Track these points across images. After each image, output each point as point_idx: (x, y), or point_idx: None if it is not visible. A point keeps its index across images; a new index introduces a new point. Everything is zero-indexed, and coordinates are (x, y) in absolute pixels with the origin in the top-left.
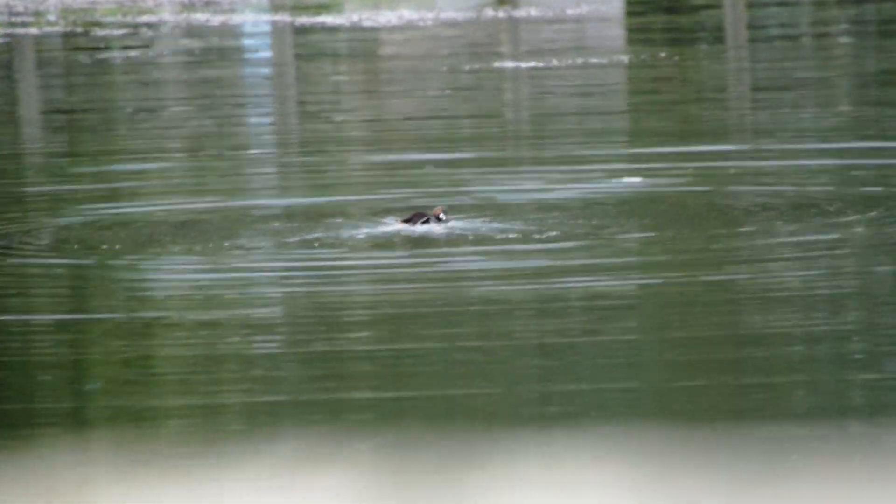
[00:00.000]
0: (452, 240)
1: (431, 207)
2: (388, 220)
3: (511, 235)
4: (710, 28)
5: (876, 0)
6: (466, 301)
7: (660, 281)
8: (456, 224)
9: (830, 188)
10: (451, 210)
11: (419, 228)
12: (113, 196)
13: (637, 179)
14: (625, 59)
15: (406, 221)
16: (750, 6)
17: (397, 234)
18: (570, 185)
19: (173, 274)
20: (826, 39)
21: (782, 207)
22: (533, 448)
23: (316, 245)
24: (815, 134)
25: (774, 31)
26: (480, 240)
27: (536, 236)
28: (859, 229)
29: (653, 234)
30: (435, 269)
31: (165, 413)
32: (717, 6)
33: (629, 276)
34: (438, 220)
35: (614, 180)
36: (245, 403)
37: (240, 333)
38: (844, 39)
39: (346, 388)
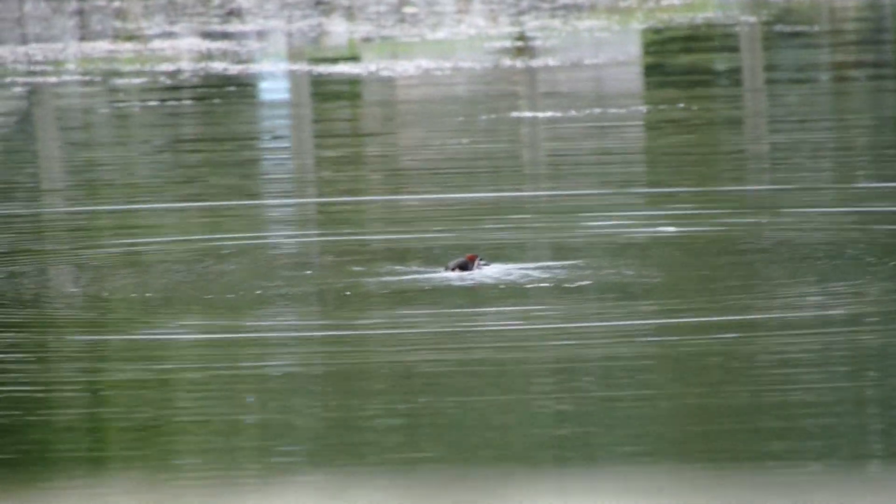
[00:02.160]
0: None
1: (464, 255)
2: (434, 269)
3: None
4: (726, 71)
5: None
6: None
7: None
8: (500, 270)
9: (855, 234)
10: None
11: (467, 274)
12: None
13: (671, 229)
14: (643, 108)
15: (457, 268)
16: (767, 48)
17: (449, 282)
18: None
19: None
20: (844, 81)
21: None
22: (549, 485)
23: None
24: (835, 176)
25: (792, 73)
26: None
27: (572, 284)
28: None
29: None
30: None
31: (184, 449)
32: (735, 49)
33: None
34: (477, 266)
35: (650, 229)
36: (261, 444)
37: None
38: (863, 81)
39: (363, 427)
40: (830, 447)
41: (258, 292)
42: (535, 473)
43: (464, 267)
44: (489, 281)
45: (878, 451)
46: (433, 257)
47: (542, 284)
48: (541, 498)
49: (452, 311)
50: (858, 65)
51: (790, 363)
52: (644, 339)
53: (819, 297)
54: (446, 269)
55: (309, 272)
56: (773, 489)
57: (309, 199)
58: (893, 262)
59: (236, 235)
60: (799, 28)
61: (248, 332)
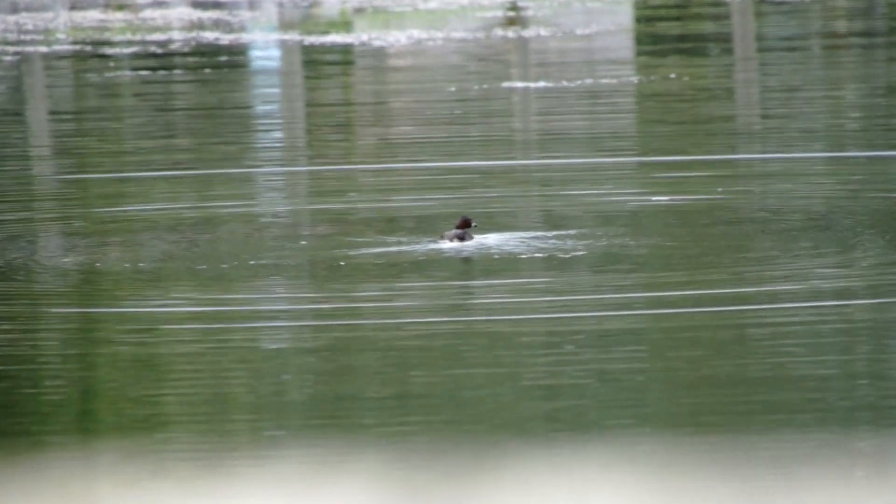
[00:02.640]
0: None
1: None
2: (431, 239)
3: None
4: (718, 38)
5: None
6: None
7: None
8: (497, 239)
9: (843, 201)
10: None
11: (461, 245)
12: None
13: (664, 198)
14: (634, 79)
15: (455, 238)
16: (759, 14)
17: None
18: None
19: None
20: (837, 49)
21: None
22: (541, 456)
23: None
24: (827, 142)
25: (783, 42)
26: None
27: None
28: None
29: (675, 246)
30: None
31: (174, 422)
32: (726, 17)
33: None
34: (466, 231)
35: (643, 199)
36: (254, 413)
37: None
38: (855, 49)
39: (355, 396)
40: (818, 420)
41: (251, 262)
42: (527, 444)
43: (461, 237)
44: (482, 252)
45: (867, 423)
46: (425, 226)
47: (536, 255)
48: (532, 467)
49: (446, 283)
50: (849, 34)
51: (780, 335)
52: (636, 311)
53: (809, 270)
54: (442, 238)
55: (304, 242)
56: (762, 458)
57: (300, 168)
58: (881, 233)
59: (227, 204)
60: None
61: (242, 304)
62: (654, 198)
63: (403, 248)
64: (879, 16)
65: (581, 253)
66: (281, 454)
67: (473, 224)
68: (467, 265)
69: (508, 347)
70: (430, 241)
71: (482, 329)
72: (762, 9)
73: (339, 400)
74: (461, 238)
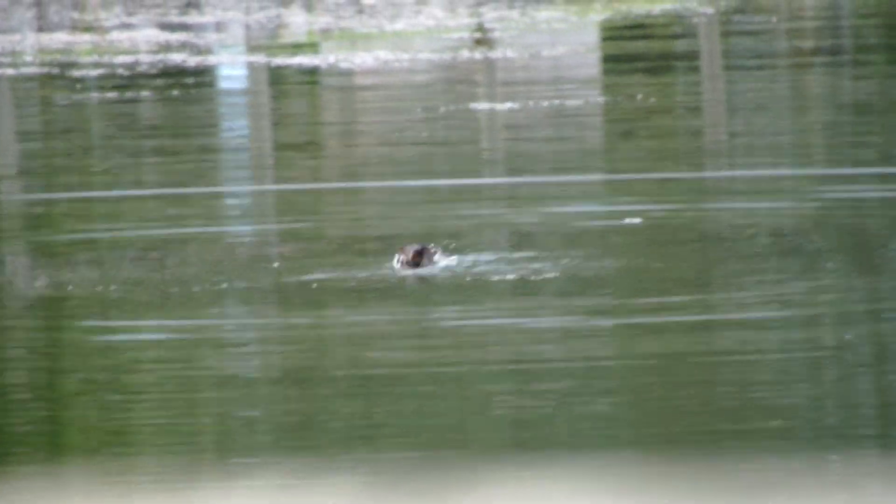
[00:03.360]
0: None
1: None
2: (390, 264)
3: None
4: (685, 56)
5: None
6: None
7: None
8: (458, 262)
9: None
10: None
11: (422, 271)
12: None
13: (637, 220)
14: (601, 98)
15: (409, 263)
16: (724, 34)
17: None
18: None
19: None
20: (802, 68)
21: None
22: (512, 474)
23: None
24: (792, 160)
25: (749, 60)
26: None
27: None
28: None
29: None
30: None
31: (150, 437)
32: (693, 35)
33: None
34: (432, 259)
35: (617, 221)
36: (224, 430)
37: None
38: (820, 68)
39: (326, 415)
40: (791, 447)
41: (223, 286)
42: (496, 465)
43: (416, 262)
44: (447, 275)
45: (839, 448)
46: (391, 246)
47: (507, 277)
48: (501, 484)
49: (411, 308)
50: (816, 52)
51: (747, 362)
52: (606, 337)
53: (776, 293)
54: (397, 262)
55: (276, 264)
56: (736, 483)
57: (267, 187)
58: (848, 253)
59: (195, 225)
60: (757, 19)
61: (214, 330)
62: (628, 220)
63: (366, 272)
64: (845, 34)
65: (551, 275)
66: (251, 478)
67: (433, 253)
68: (435, 288)
69: (477, 370)
70: (387, 266)
71: (451, 353)
72: (728, 27)
73: (309, 424)
74: (416, 265)
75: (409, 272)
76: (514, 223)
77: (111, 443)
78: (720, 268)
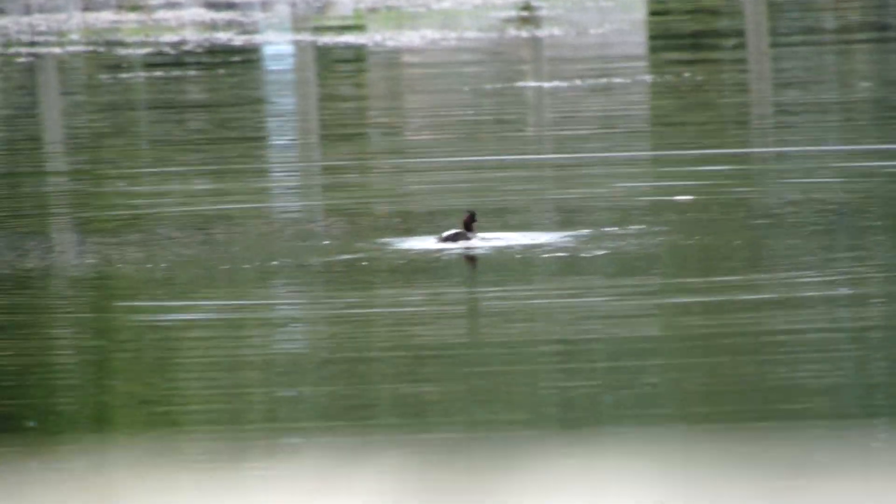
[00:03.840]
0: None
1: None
2: (428, 238)
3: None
4: (731, 33)
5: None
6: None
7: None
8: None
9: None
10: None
11: (458, 245)
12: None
13: (689, 197)
14: (648, 76)
15: (446, 240)
16: (772, 9)
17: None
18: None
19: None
20: (848, 45)
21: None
22: (559, 450)
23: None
24: (841, 136)
25: (796, 37)
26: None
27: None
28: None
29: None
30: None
31: (190, 417)
32: (739, 13)
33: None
34: (471, 227)
35: (667, 198)
36: (269, 409)
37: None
38: (867, 44)
39: (371, 393)
40: (840, 427)
41: (274, 263)
42: (542, 442)
43: (454, 238)
44: (499, 253)
45: (884, 425)
46: (439, 224)
47: (558, 254)
48: (548, 464)
49: (459, 286)
50: (863, 28)
51: (795, 341)
52: (653, 315)
53: (825, 270)
54: (439, 239)
55: (327, 242)
56: (779, 457)
57: (315, 163)
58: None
59: (243, 203)
60: None
61: (266, 308)
62: (678, 197)
63: (413, 248)
64: (893, 11)
65: (600, 252)
66: (296, 454)
67: (474, 221)
68: (480, 266)
69: (523, 350)
70: (433, 239)
71: (497, 332)
72: (775, 3)
73: (355, 400)
74: (454, 239)
75: (451, 244)
76: (562, 200)
77: (158, 423)
78: (772, 245)
